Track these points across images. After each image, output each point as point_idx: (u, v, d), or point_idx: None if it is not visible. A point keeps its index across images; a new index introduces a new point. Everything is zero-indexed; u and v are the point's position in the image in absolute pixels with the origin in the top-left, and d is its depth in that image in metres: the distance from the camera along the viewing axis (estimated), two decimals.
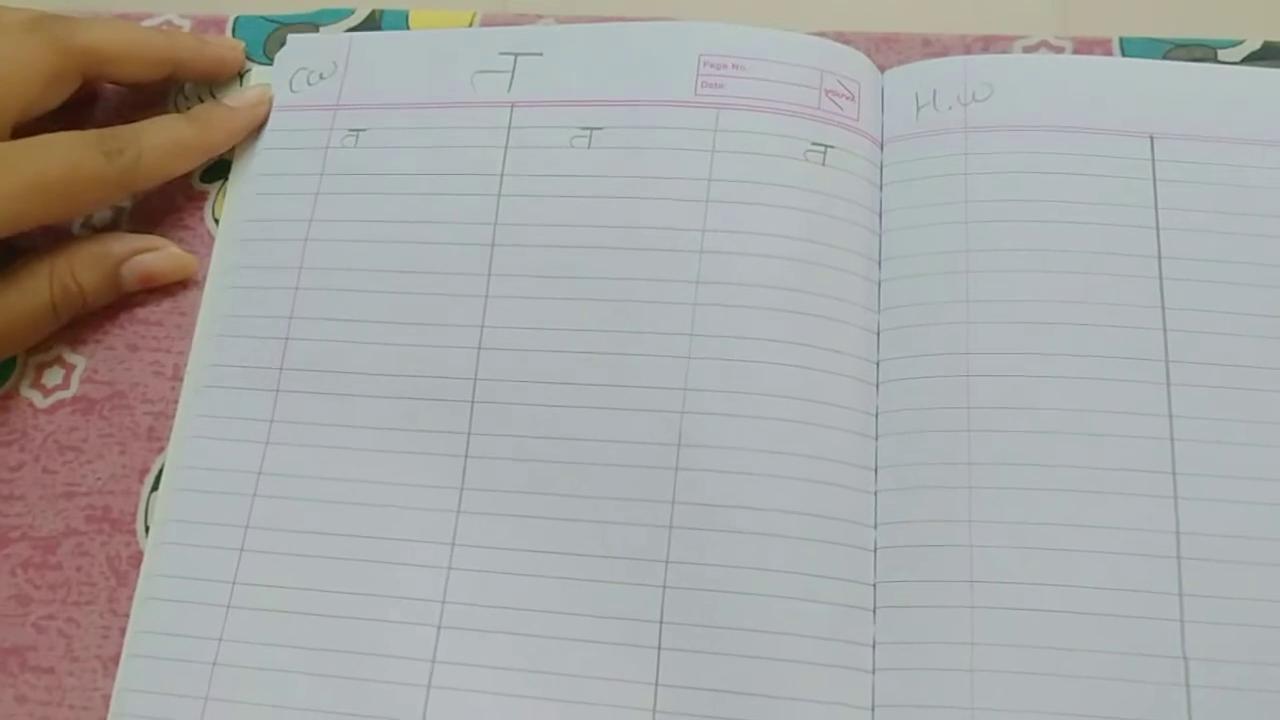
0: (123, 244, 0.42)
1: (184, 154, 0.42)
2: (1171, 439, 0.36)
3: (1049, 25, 0.44)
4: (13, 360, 0.42)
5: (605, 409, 0.38)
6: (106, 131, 0.41)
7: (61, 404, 0.41)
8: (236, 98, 0.44)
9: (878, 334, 0.38)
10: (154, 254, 0.42)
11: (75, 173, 0.39)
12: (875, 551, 0.36)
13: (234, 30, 0.46)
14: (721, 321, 0.38)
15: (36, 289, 0.40)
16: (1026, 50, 0.42)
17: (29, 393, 0.41)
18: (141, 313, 0.42)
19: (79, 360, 0.42)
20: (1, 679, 0.38)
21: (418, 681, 0.36)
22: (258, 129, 0.44)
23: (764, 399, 0.37)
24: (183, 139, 0.42)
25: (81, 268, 0.41)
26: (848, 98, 0.41)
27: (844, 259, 0.39)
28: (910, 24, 0.44)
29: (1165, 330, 0.37)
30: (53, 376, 0.42)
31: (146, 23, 0.46)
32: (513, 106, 0.42)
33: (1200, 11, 0.43)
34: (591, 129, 0.41)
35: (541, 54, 0.43)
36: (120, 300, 0.42)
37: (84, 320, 0.42)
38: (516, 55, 0.43)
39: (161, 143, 0.41)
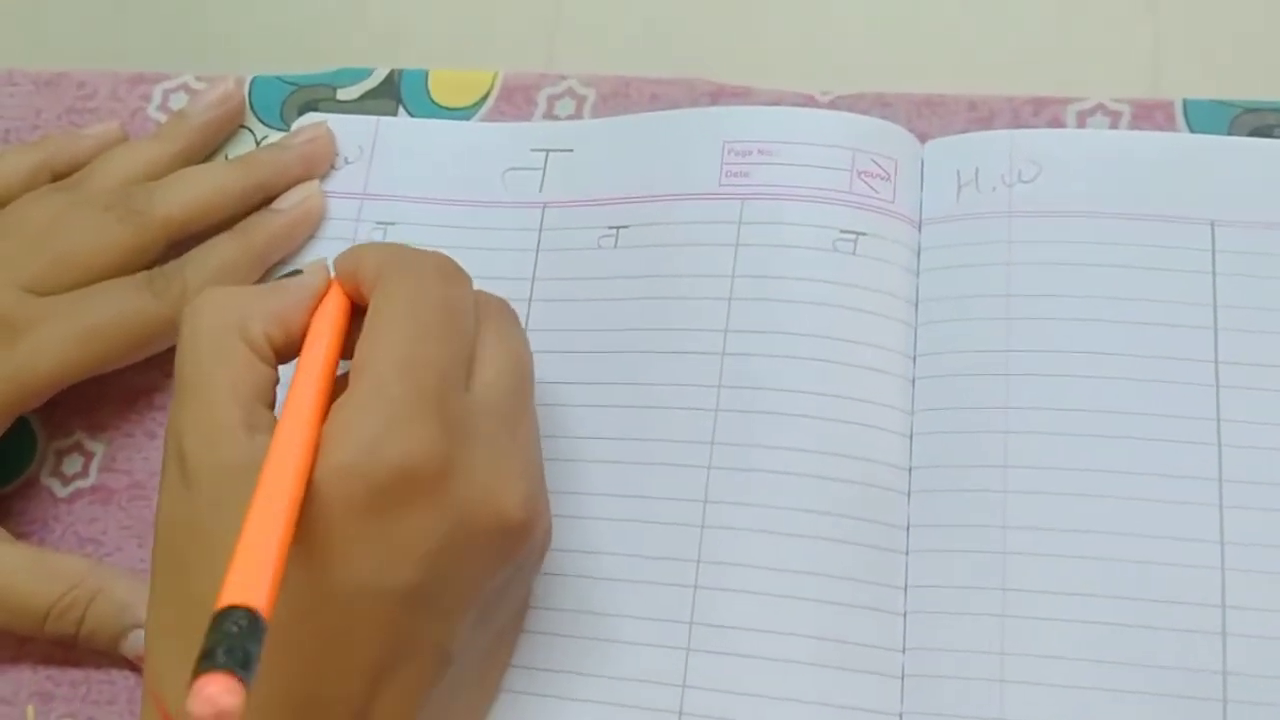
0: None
1: (230, 271, 0.40)
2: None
3: (1140, 79, 0.40)
4: (34, 445, 0.41)
5: (625, 521, 0.36)
6: (155, 270, 0.40)
7: (80, 493, 0.41)
8: (283, 199, 0.42)
9: (910, 438, 0.36)
10: None
11: (125, 314, 0.39)
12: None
13: (250, 91, 0.45)
14: (743, 429, 0.36)
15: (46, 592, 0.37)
16: (1081, 114, 0.39)
17: (49, 480, 0.41)
18: (160, 399, 0.42)
19: (98, 448, 0.41)
20: None
21: None
22: (313, 225, 0.42)
23: (786, 514, 0.35)
24: (228, 259, 0.40)
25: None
26: (882, 178, 0.38)
27: (874, 357, 0.36)
28: (991, 75, 0.41)
29: (1220, 446, 0.34)
30: (72, 464, 0.41)
31: (162, 86, 0.45)
32: (544, 207, 0.40)
33: None
34: (619, 228, 0.39)
35: (572, 150, 0.41)
36: (138, 386, 0.41)
37: (102, 406, 0.41)
38: (548, 152, 0.41)
39: (206, 269, 0.40)
